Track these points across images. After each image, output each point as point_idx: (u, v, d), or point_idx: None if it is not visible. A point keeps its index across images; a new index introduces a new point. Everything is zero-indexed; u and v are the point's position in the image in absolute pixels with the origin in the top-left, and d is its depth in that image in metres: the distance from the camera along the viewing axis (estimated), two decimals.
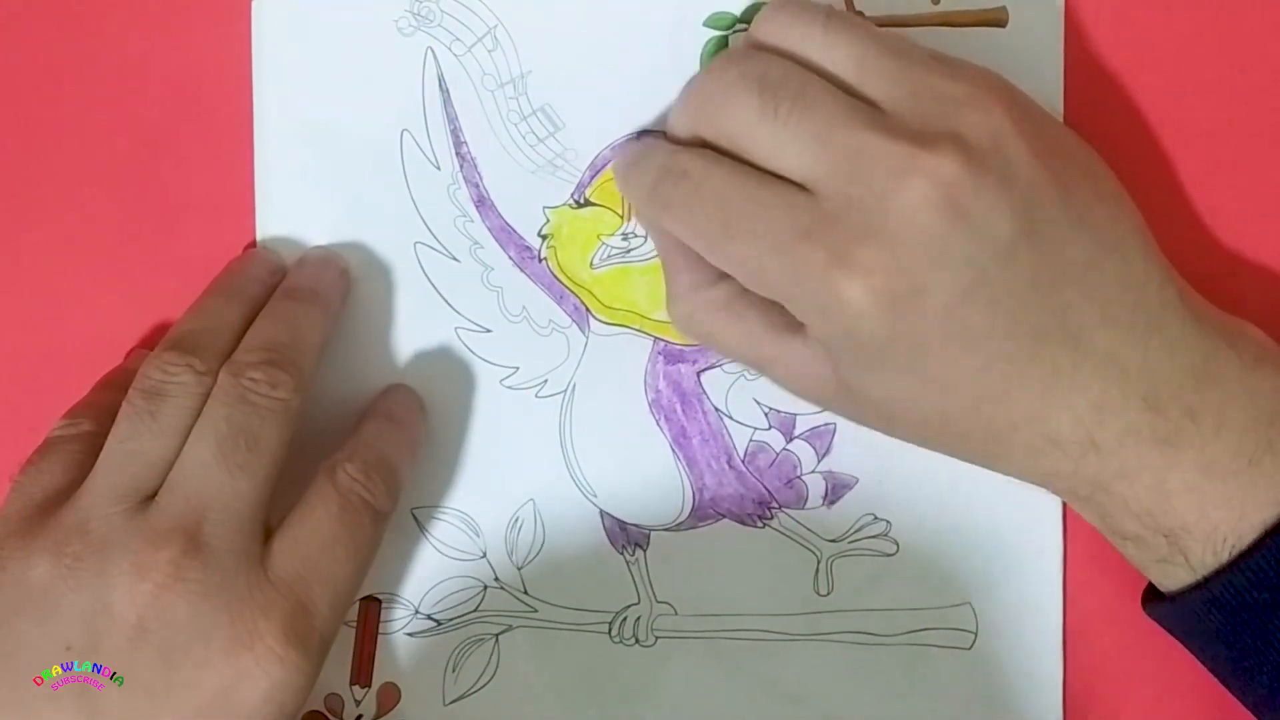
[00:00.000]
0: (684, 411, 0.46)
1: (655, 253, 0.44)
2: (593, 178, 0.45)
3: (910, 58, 0.39)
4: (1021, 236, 0.38)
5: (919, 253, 0.37)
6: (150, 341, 0.46)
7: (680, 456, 0.46)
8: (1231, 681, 0.41)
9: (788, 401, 0.45)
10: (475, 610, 0.46)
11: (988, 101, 0.39)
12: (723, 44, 0.45)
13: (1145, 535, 0.40)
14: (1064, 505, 0.45)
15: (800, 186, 0.39)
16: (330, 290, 0.45)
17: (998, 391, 0.39)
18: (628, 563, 0.46)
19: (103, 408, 0.43)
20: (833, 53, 0.40)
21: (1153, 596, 0.42)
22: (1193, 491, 0.39)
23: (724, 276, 0.42)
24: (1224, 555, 0.39)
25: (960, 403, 0.39)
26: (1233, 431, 0.39)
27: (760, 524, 0.46)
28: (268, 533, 0.41)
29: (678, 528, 0.46)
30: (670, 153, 0.41)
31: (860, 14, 0.45)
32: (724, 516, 0.46)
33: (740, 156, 0.40)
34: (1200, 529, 0.39)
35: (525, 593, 0.46)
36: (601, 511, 0.46)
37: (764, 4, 0.45)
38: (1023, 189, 0.38)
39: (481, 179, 0.46)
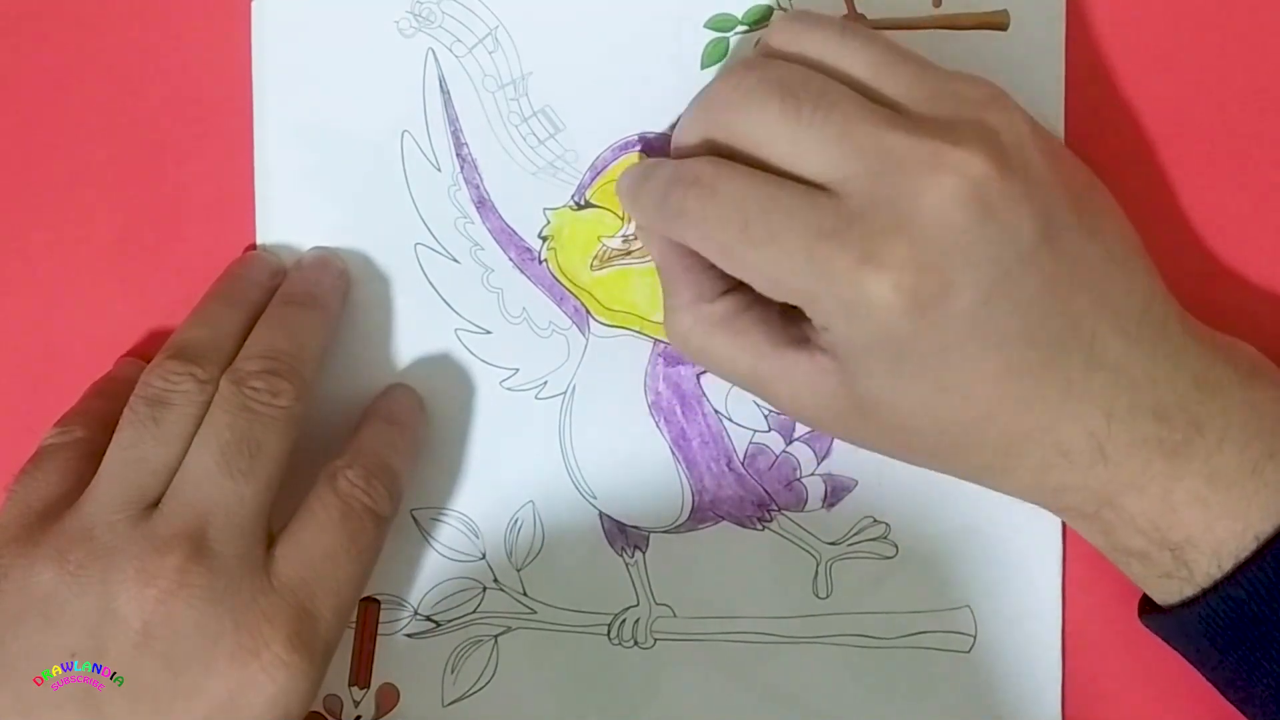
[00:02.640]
0: (684, 413, 0.46)
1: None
2: (593, 179, 0.45)
3: (926, 63, 0.40)
4: (1042, 240, 0.38)
5: (948, 249, 0.37)
6: (148, 344, 0.46)
7: (680, 458, 0.46)
8: (1229, 691, 0.41)
9: None
10: (474, 611, 0.46)
11: (1009, 104, 0.39)
12: (724, 46, 0.45)
13: (1151, 550, 0.40)
14: None
15: (820, 188, 0.38)
16: (329, 294, 0.45)
17: (1013, 399, 0.38)
18: (627, 565, 0.46)
19: (94, 414, 0.44)
20: (850, 58, 0.39)
21: (1149, 608, 0.42)
22: (1198, 502, 0.39)
23: (725, 292, 0.41)
24: (1227, 567, 0.39)
25: (975, 410, 0.39)
26: (1235, 442, 0.39)
27: (760, 526, 0.46)
28: (270, 539, 0.41)
29: (677, 530, 0.46)
30: (678, 164, 0.40)
31: (862, 16, 0.45)
32: (723, 519, 0.46)
33: (753, 162, 0.39)
34: (1206, 541, 0.39)
35: (524, 594, 0.46)
36: (601, 513, 0.46)
37: (769, 7, 0.45)
38: (1042, 193, 0.38)
39: (482, 180, 0.45)
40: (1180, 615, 0.40)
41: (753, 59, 0.41)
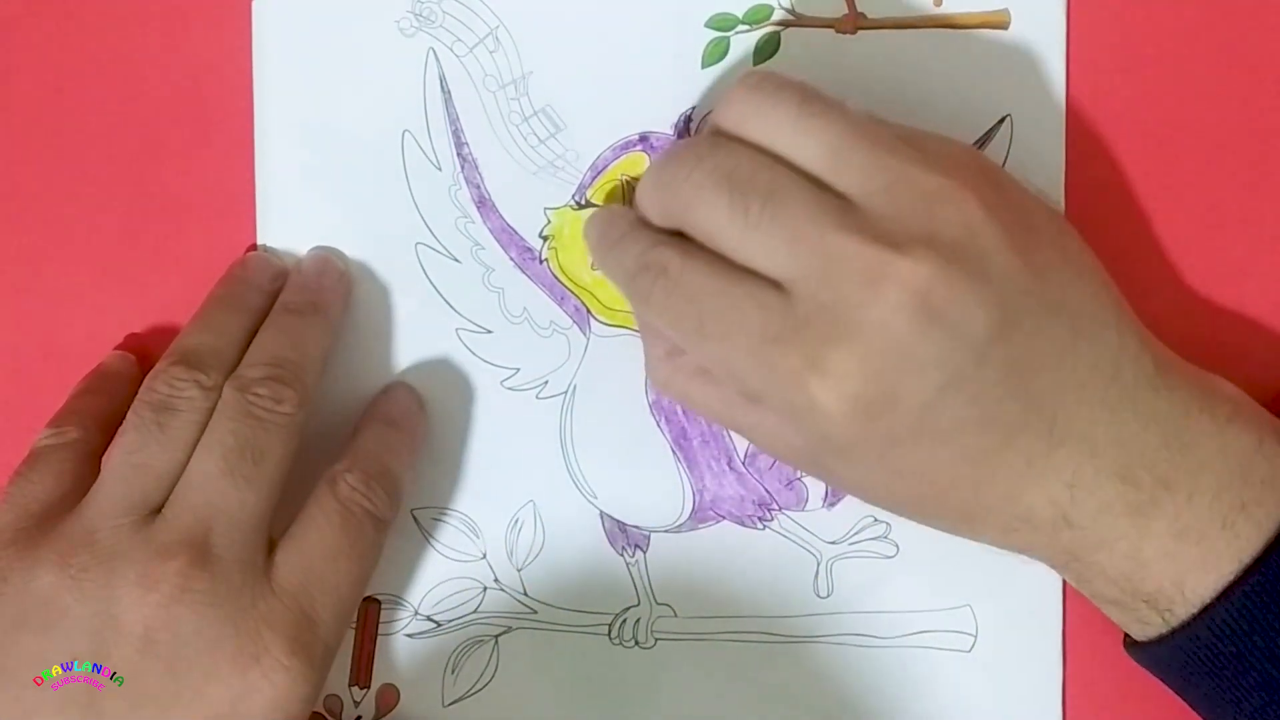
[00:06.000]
0: (684, 413, 0.46)
1: None
2: (594, 179, 0.45)
3: (885, 147, 0.38)
4: (996, 333, 0.37)
5: (892, 359, 0.37)
6: (147, 342, 0.46)
7: (680, 458, 0.46)
8: (1209, 717, 0.42)
9: None
10: (475, 611, 0.46)
11: (962, 194, 0.38)
12: (724, 45, 0.45)
13: (1125, 599, 0.40)
14: None
15: (775, 283, 0.38)
16: (331, 298, 0.45)
17: (969, 480, 0.39)
18: (628, 564, 0.46)
19: (87, 413, 0.44)
20: (805, 141, 0.38)
21: (1130, 640, 0.42)
22: (1168, 557, 0.39)
23: None
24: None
25: (933, 489, 0.39)
26: (1206, 496, 0.39)
27: (760, 526, 0.46)
28: (271, 543, 0.41)
29: (678, 529, 0.46)
30: (649, 243, 0.40)
31: (862, 15, 0.45)
32: (724, 518, 0.46)
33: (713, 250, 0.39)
34: (1179, 593, 0.39)
35: (525, 594, 0.46)
36: (601, 513, 0.46)
37: (769, 7, 0.45)
38: (998, 283, 0.37)
39: (483, 180, 0.45)
40: (1153, 651, 0.41)
41: (702, 143, 0.40)
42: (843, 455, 0.39)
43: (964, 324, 0.37)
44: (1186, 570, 0.39)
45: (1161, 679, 0.42)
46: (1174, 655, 0.40)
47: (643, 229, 0.41)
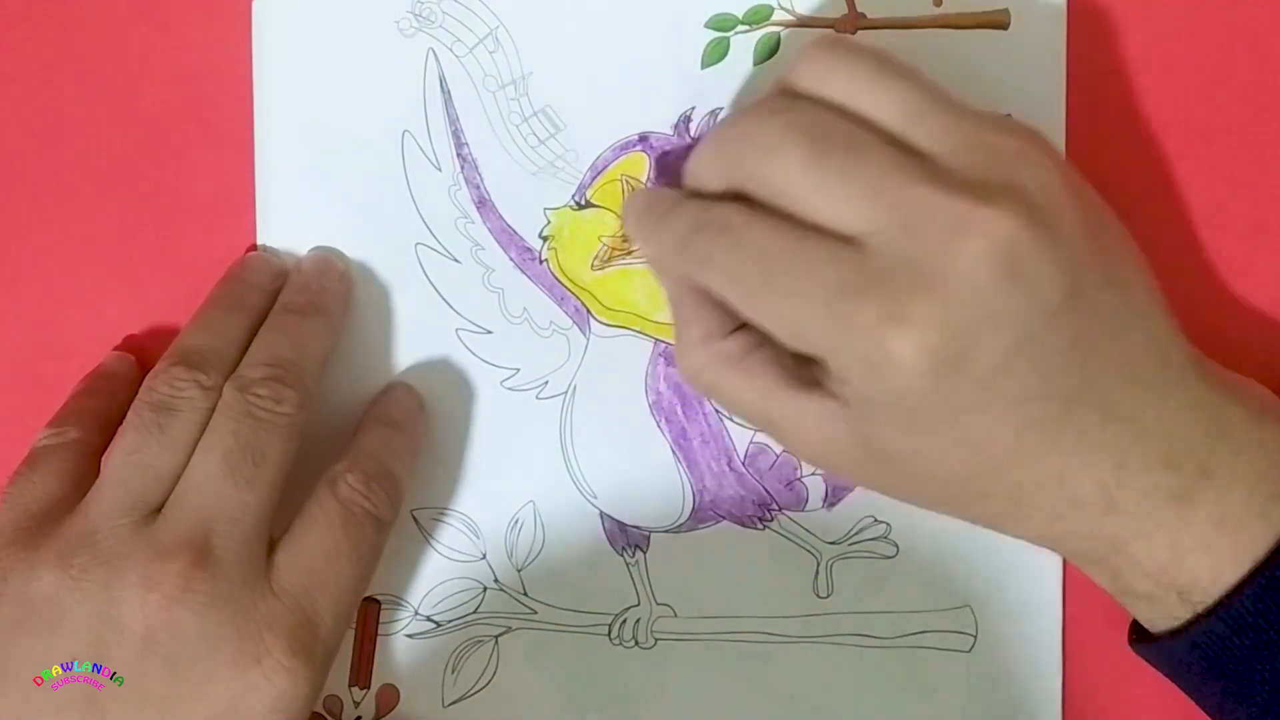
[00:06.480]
0: (685, 413, 0.46)
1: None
2: (594, 179, 0.45)
3: (961, 111, 0.38)
4: (1067, 298, 0.37)
5: (974, 310, 0.36)
6: (146, 342, 0.46)
7: (681, 458, 0.46)
8: (1216, 716, 0.41)
9: None
10: (475, 612, 0.46)
11: (1040, 156, 0.38)
12: (724, 46, 0.45)
13: (1156, 593, 0.40)
14: None
15: (843, 240, 0.37)
16: (332, 299, 0.45)
17: (1026, 452, 0.38)
18: (628, 564, 0.46)
19: (87, 413, 0.44)
20: (884, 99, 0.38)
21: (1138, 636, 0.42)
22: (1206, 547, 0.39)
23: (738, 329, 0.41)
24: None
25: (988, 463, 0.38)
26: (1244, 485, 0.39)
27: (760, 526, 0.46)
28: (271, 544, 0.41)
29: (678, 529, 0.46)
30: (704, 205, 0.39)
31: (862, 15, 0.45)
32: (724, 518, 0.46)
33: (777, 209, 0.38)
34: (1214, 585, 0.39)
35: (525, 594, 0.46)
36: (601, 513, 0.46)
37: (769, 7, 0.45)
38: (1071, 249, 0.37)
39: (482, 180, 0.45)
40: (1167, 645, 0.40)
41: (777, 99, 0.39)
42: (904, 422, 0.38)
43: (1040, 284, 0.37)
44: (1223, 561, 0.39)
45: (1169, 674, 0.42)
46: (1187, 649, 0.40)
47: (693, 198, 0.40)
